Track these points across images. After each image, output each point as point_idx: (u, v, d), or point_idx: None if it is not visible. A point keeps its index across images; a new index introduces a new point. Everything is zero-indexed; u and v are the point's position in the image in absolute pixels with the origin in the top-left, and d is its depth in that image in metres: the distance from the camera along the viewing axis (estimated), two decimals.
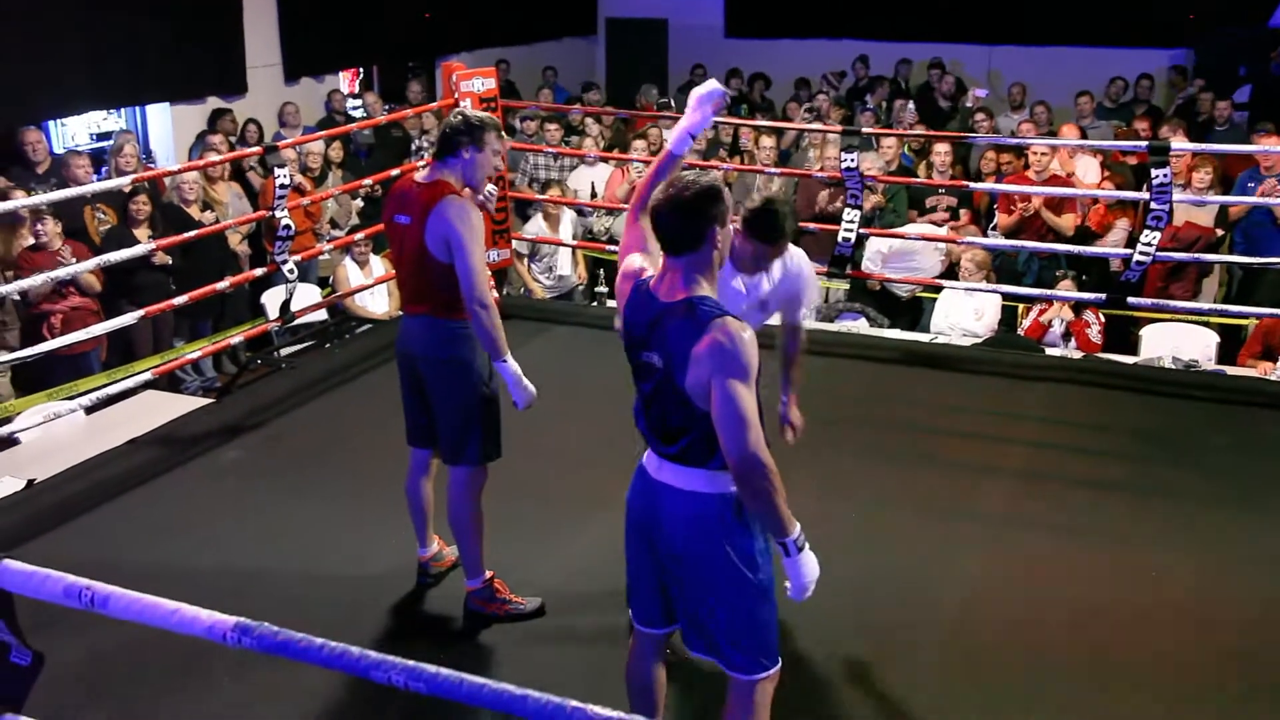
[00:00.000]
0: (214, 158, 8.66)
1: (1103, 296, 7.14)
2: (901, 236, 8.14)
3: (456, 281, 4.08)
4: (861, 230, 7.40)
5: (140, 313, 6.33)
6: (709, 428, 2.99)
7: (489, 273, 4.08)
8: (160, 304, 6.53)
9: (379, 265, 8.90)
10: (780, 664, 3.26)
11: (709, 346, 2.94)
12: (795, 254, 4.18)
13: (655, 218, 3.07)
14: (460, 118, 4.20)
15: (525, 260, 9.14)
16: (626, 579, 3.39)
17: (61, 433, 5.84)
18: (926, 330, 8.01)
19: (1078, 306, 7.58)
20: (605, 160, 9.99)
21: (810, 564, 3.10)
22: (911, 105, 12.29)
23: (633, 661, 3.50)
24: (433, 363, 4.26)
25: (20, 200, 6.97)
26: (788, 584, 3.11)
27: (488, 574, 4.40)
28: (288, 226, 6.76)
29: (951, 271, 8.31)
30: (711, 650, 3.24)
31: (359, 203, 10.15)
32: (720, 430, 2.94)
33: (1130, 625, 4.46)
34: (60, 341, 6.06)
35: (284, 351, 7.49)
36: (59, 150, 9.55)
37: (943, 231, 8.59)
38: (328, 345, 7.72)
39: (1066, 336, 7.59)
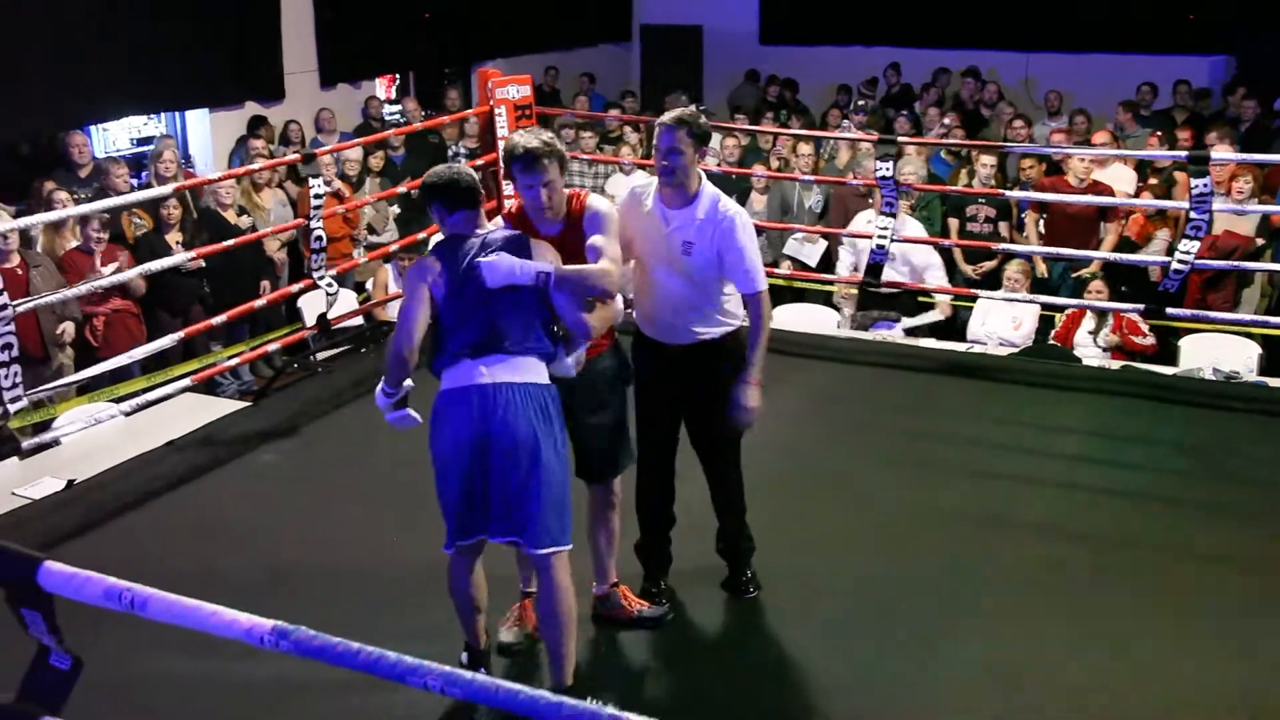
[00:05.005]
0: (255, 164, 8.75)
1: (1141, 306, 7.09)
2: (937, 243, 8.10)
3: None
4: (895, 238, 7.38)
5: (180, 335, 6.45)
6: None
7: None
8: (198, 320, 6.67)
9: None
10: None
11: None
12: (723, 209, 4.25)
13: None
14: None
15: None
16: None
17: (101, 434, 5.89)
18: (963, 339, 7.96)
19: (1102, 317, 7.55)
20: (641, 167, 9.98)
21: None
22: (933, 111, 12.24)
23: None
24: None
25: (69, 210, 7.10)
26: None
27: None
28: (320, 238, 6.81)
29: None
30: None
31: (395, 209, 10.19)
32: None
33: (1170, 640, 4.41)
34: (111, 365, 6.11)
35: (320, 355, 7.52)
36: (100, 154, 9.65)
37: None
38: (363, 350, 7.75)
39: (1108, 347, 7.52)
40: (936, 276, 7.93)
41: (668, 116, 4.25)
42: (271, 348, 7.10)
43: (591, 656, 4.26)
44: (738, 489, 4.62)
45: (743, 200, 9.54)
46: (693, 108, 4.65)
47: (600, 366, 4.15)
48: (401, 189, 8.49)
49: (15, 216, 7.79)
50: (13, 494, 5.37)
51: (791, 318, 8.18)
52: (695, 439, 4.55)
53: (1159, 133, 10.46)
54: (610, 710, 1.93)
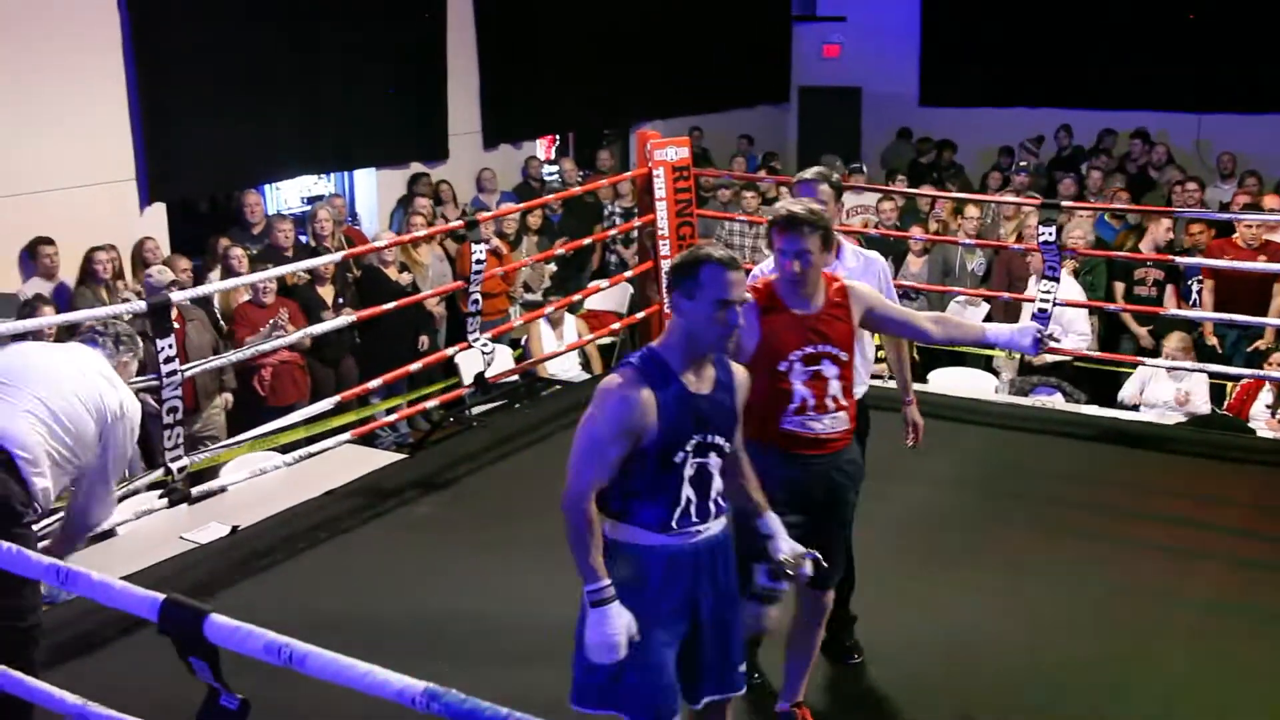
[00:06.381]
0: (418, 224, 9.04)
1: None
2: (1100, 307, 7.90)
3: None
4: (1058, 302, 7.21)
5: (337, 398, 6.72)
6: None
7: None
8: (349, 370, 6.91)
9: (572, 328, 9.05)
10: None
11: None
12: (866, 252, 4.49)
13: None
14: None
15: None
16: (656, 676, 3.21)
17: (264, 483, 6.07)
18: (1123, 406, 7.69)
19: None
20: None
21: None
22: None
23: None
24: None
25: (246, 278, 7.54)
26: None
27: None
28: (477, 302, 6.95)
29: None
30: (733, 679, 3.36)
31: (552, 267, 10.35)
32: None
33: None
34: (268, 428, 6.28)
35: (475, 410, 7.66)
36: (271, 212, 10.04)
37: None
38: (518, 405, 7.86)
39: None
40: (1074, 342, 7.75)
41: (808, 173, 4.33)
42: (430, 404, 7.27)
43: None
44: (850, 554, 4.41)
45: (898, 263, 9.45)
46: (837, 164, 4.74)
47: (846, 459, 3.93)
48: (559, 250, 8.68)
49: (193, 270, 8.20)
50: (181, 538, 5.56)
51: (950, 381, 8.05)
52: None
53: None
54: None
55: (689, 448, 3.16)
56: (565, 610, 4.82)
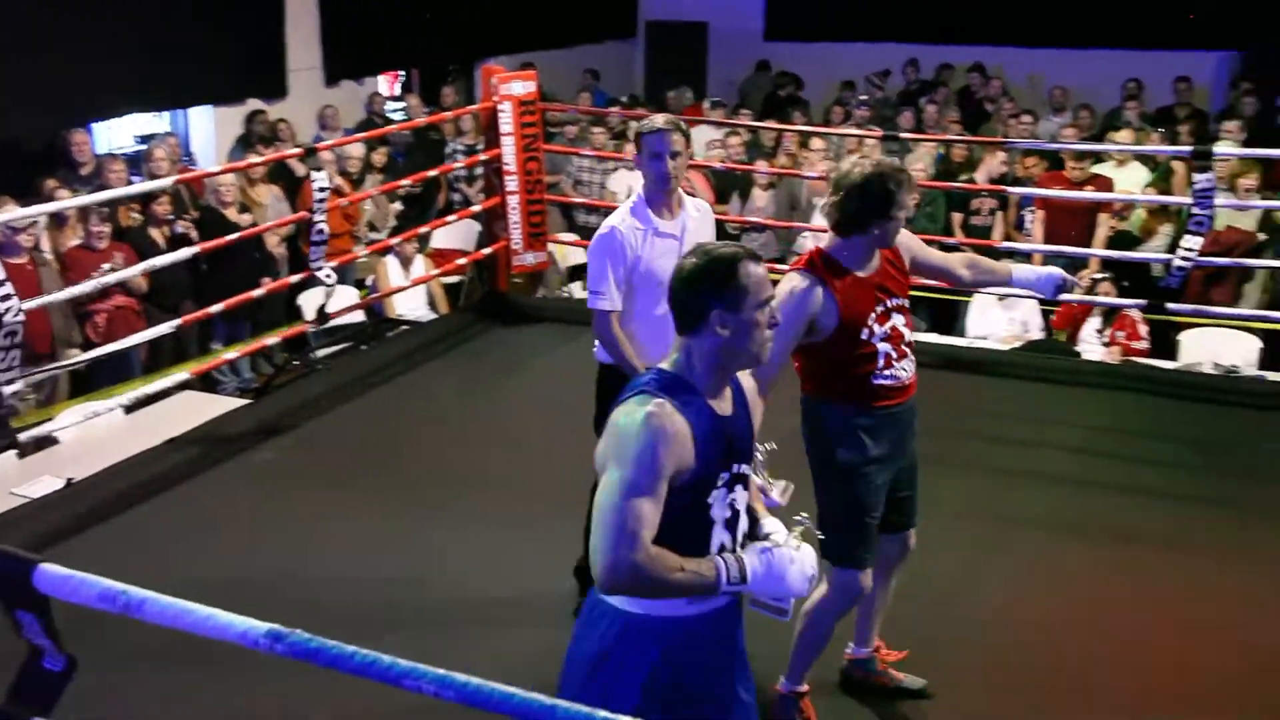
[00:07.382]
0: (251, 157, 8.76)
1: (1144, 302, 7.09)
2: (941, 242, 8.05)
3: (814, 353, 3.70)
4: None
5: (178, 321, 6.44)
6: None
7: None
8: (198, 312, 6.69)
9: (421, 266, 8.93)
10: None
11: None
12: (699, 201, 4.42)
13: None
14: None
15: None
16: None
17: (101, 432, 5.88)
18: (963, 335, 7.94)
19: (1111, 313, 7.53)
20: None
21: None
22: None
23: None
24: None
25: (66, 201, 7.18)
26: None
27: (804, 688, 3.87)
28: (321, 231, 6.79)
29: None
30: None
31: (397, 205, 10.18)
32: None
33: (1171, 632, 4.43)
34: (110, 349, 6.13)
35: (320, 353, 7.52)
36: (101, 152, 9.65)
37: None
38: (364, 347, 7.75)
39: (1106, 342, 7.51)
40: None
41: (659, 120, 4.16)
42: (271, 341, 7.12)
43: None
44: None
45: (744, 196, 9.53)
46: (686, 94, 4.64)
47: (914, 400, 3.86)
48: (405, 183, 8.51)
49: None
50: (11, 493, 5.33)
51: None
52: None
53: (1161, 130, 10.50)
54: (603, 713, 1.92)
55: (721, 484, 2.60)
56: (402, 558, 4.84)
